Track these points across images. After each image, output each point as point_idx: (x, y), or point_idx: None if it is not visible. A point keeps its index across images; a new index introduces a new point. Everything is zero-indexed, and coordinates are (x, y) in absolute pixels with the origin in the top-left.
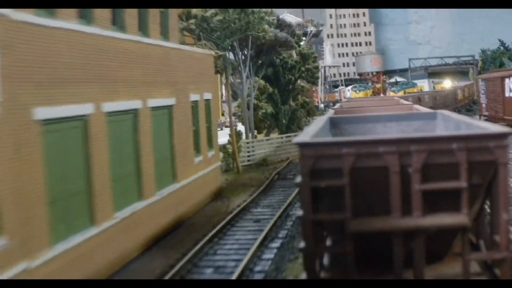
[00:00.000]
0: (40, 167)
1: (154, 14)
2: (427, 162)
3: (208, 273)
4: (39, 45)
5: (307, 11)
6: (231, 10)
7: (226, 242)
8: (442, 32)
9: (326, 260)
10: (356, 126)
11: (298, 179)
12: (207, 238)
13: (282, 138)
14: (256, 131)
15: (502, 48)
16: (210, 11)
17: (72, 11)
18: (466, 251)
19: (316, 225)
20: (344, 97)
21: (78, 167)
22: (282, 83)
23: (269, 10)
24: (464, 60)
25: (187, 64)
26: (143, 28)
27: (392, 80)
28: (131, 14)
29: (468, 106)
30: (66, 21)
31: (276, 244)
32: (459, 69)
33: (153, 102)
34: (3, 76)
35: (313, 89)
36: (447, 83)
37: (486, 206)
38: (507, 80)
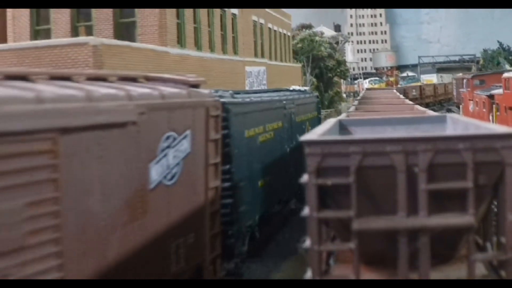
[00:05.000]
0: None
1: (289, 51)
2: (434, 162)
3: None
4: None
5: (330, 11)
6: (305, 41)
7: None
8: (450, 31)
9: (332, 261)
10: (366, 128)
11: (304, 177)
12: None
13: (326, 112)
14: None
15: (500, 48)
16: (293, 42)
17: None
18: (471, 252)
19: (322, 223)
20: (363, 89)
21: None
22: (325, 78)
23: (325, 39)
24: (468, 58)
25: (293, 73)
26: (286, 59)
27: (404, 74)
28: (292, 55)
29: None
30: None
31: None
32: (462, 66)
33: None
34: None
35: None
36: None
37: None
38: (465, 80)
